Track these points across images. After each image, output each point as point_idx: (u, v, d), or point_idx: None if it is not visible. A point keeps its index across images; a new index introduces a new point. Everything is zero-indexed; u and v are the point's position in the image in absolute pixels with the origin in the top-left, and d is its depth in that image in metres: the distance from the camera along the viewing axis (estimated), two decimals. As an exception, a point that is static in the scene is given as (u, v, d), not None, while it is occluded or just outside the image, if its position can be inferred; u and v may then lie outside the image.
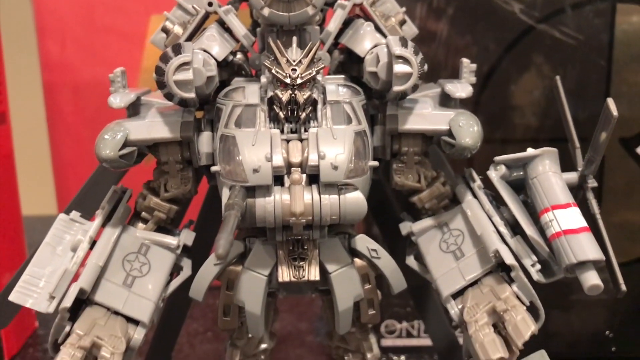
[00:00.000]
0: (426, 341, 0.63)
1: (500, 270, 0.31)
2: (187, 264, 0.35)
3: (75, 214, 0.34)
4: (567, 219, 0.30)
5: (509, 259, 0.29)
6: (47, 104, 0.77)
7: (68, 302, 0.29)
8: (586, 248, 0.29)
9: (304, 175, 0.31)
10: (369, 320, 0.34)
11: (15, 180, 0.68)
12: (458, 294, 0.31)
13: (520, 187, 0.35)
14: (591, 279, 0.28)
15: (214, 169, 0.32)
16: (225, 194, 0.30)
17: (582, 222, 0.30)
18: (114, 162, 0.31)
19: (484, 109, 0.59)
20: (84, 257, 0.32)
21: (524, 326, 0.28)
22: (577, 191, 0.34)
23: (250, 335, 0.36)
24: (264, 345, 0.36)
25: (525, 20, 0.57)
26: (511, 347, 0.29)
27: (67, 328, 0.30)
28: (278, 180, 0.31)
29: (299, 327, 0.73)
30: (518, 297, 0.29)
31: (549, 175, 0.32)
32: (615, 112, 0.30)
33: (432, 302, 0.45)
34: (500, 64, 0.58)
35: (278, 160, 0.30)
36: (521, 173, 0.34)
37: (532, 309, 0.29)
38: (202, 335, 0.72)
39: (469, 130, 0.31)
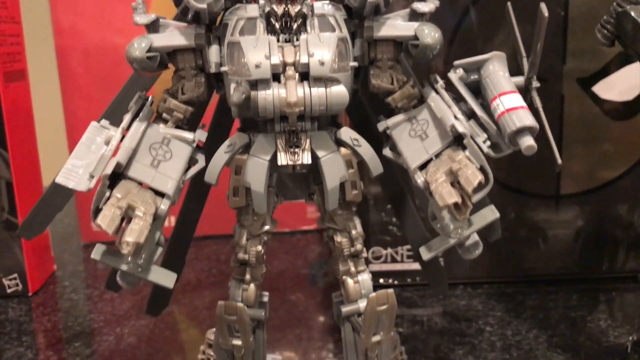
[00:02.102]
0: (409, 265, 0.71)
1: (457, 144, 0.38)
2: (201, 157, 0.41)
3: (105, 122, 0.41)
4: (510, 100, 0.37)
5: (462, 129, 0.37)
6: (60, 67, 0.84)
7: (108, 170, 0.36)
8: (523, 118, 0.36)
9: (297, 74, 0.38)
10: (353, 199, 0.41)
11: (34, 134, 0.75)
12: (423, 168, 0.38)
13: (478, 92, 0.42)
14: (527, 141, 0.35)
15: (223, 68, 0.39)
16: (232, 87, 0.37)
17: (522, 103, 0.37)
18: (142, 63, 0.38)
19: (454, 56, 0.66)
20: (116, 145, 0.39)
21: (473, 176, 0.35)
22: (525, 93, 0.42)
23: (255, 218, 0.43)
24: (266, 227, 0.43)
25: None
26: (465, 202, 0.36)
27: (107, 194, 0.37)
28: (276, 78, 0.38)
29: (295, 263, 0.81)
30: (470, 160, 0.36)
31: (498, 74, 0.40)
32: (546, 14, 0.37)
33: (409, 207, 0.52)
34: (468, 15, 0.66)
35: (275, 59, 0.38)
36: (476, 76, 0.41)
37: (483, 172, 0.36)
38: (207, 271, 0.79)
39: (431, 34, 0.38)
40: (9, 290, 0.71)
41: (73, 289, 0.74)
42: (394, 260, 0.70)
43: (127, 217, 0.37)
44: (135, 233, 0.35)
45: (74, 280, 0.77)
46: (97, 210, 0.36)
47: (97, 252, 0.37)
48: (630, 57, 0.66)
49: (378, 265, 0.70)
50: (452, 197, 0.35)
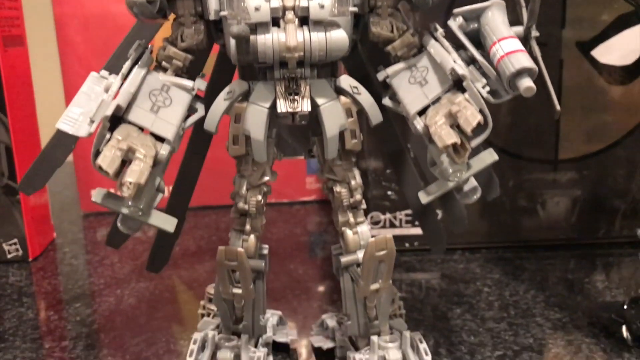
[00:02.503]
0: (407, 230, 0.71)
1: (456, 88, 0.38)
2: (200, 106, 0.41)
3: (104, 72, 0.41)
4: (509, 45, 0.37)
5: (461, 70, 0.37)
6: (59, 35, 0.84)
7: (109, 112, 0.36)
8: (522, 60, 0.36)
9: (296, 18, 0.38)
10: (352, 148, 0.42)
11: (33, 100, 0.75)
12: (422, 115, 0.39)
13: (477, 43, 0.42)
14: (526, 82, 0.35)
15: (222, 13, 0.38)
16: (233, 29, 0.37)
17: (521, 47, 0.37)
18: (141, 7, 0.38)
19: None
20: (116, 92, 0.39)
21: (473, 117, 0.35)
22: (524, 42, 0.42)
23: (255, 168, 0.43)
24: (266, 178, 0.43)
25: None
26: (464, 144, 0.36)
27: (107, 136, 0.37)
28: (275, 23, 0.38)
29: (294, 231, 0.81)
30: (470, 103, 0.36)
31: (497, 20, 0.40)
32: (544, -43, 0.37)
33: (408, 165, 0.52)
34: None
35: (275, 2, 0.37)
36: (476, 25, 0.41)
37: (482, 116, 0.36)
38: (207, 239, 0.79)
39: (430, -20, 0.38)
40: (9, 256, 0.71)
41: (73, 254, 0.74)
42: (392, 225, 0.70)
43: (127, 160, 0.37)
44: (135, 174, 0.35)
45: (73, 247, 0.77)
46: (98, 154, 0.37)
47: (97, 195, 0.38)
48: (629, 21, 0.67)
49: (377, 230, 0.70)
50: (452, 137, 0.35)
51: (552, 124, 0.69)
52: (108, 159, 0.35)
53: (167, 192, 0.44)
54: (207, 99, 0.43)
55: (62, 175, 1.03)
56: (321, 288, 0.64)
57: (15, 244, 0.71)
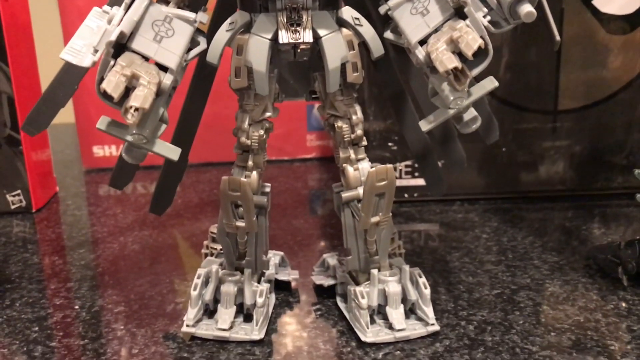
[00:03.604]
0: (407, 181, 0.72)
1: (457, 17, 0.38)
2: (202, 40, 0.42)
3: (106, 7, 0.41)
4: (510, -27, 0.37)
5: (463, -3, 0.37)
6: (58, -11, 0.83)
7: (113, 37, 0.37)
8: (522, -15, 0.36)
9: (299, -52, 0.38)
10: (354, 80, 0.42)
11: (33, 50, 0.74)
12: (424, 44, 0.39)
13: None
14: (527, 7, 0.36)
15: (224, -57, 0.39)
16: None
17: (522, -25, 0.37)
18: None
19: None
20: (119, 22, 0.39)
21: (474, 41, 0.35)
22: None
23: (257, 103, 0.43)
24: (268, 113, 0.44)
25: None
26: (464, 71, 0.37)
27: (112, 62, 0.37)
28: (275, -50, 0.38)
29: (294, 184, 0.82)
30: (470, 29, 0.37)
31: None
32: None
33: (409, 108, 0.52)
34: None
35: None
36: (477, -42, 0.41)
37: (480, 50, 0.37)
38: (208, 192, 0.80)
39: None
40: (13, 207, 0.72)
41: (76, 206, 0.75)
42: (392, 176, 0.71)
43: (131, 87, 0.37)
44: (140, 99, 0.36)
45: (76, 199, 0.78)
46: (102, 80, 0.37)
47: (102, 123, 0.38)
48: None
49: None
50: (453, 62, 0.36)
51: (551, 75, 0.69)
52: (112, 84, 0.36)
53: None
54: (210, 34, 0.43)
55: (64, 135, 1.04)
56: (322, 238, 0.65)
57: (18, 194, 0.71)
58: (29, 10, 0.73)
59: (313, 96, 0.47)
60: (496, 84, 0.38)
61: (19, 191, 0.71)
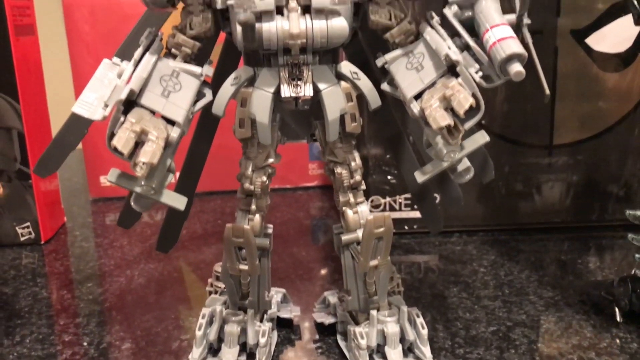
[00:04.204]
0: (407, 214, 0.73)
1: (450, 74, 0.40)
2: (208, 92, 0.44)
3: (116, 59, 0.43)
4: (500, 32, 0.39)
5: (455, 56, 0.39)
6: (67, 25, 0.86)
7: (123, 96, 0.38)
8: (512, 46, 0.38)
9: (299, 7, 0.40)
10: (352, 130, 0.44)
11: (43, 86, 0.77)
12: (419, 99, 0.41)
13: (471, 30, 0.44)
14: (516, 67, 0.37)
15: (229, 2, 0.41)
16: (239, 17, 0.40)
17: (512, 33, 0.39)
18: (154, -2, 0.40)
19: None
20: (129, 77, 0.41)
21: (465, 100, 0.37)
22: (516, 30, 0.44)
23: (260, 150, 0.45)
24: (271, 160, 0.45)
25: None
26: (458, 126, 0.39)
27: (122, 119, 0.39)
28: (279, 12, 0.40)
29: (297, 215, 0.83)
30: (463, 87, 0.39)
31: (491, 9, 0.42)
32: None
33: (406, 149, 0.54)
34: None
35: (279, -9, 0.40)
36: (470, 13, 0.43)
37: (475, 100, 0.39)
38: (213, 222, 0.82)
39: (426, -31, 0.40)
40: (22, 239, 0.74)
41: (83, 237, 0.77)
42: (392, 209, 0.73)
43: (140, 141, 0.39)
44: (149, 154, 0.38)
45: (84, 230, 0.80)
46: (112, 136, 0.39)
47: (112, 175, 0.40)
48: (622, 9, 0.68)
49: (377, 213, 0.72)
50: (445, 119, 0.37)
51: (547, 111, 0.71)
52: (123, 140, 0.38)
53: (174, 179, 0.47)
54: (214, 84, 0.45)
55: (71, 162, 1.05)
56: (323, 270, 0.66)
57: (28, 227, 0.73)
58: (39, 48, 0.75)
59: (314, 139, 0.49)
60: (487, 138, 0.40)
61: (28, 223, 0.73)
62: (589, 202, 0.73)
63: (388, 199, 0.72)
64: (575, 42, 0.69)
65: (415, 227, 0.73)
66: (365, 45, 0.48)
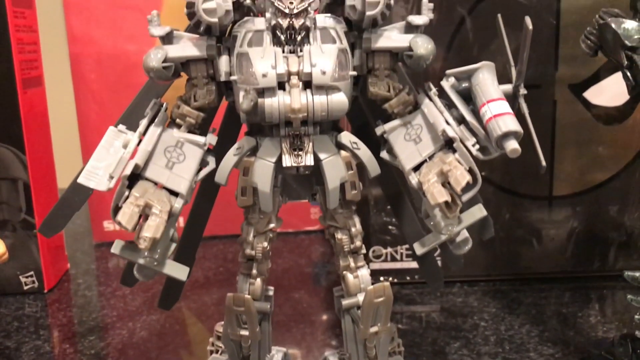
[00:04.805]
0: (408, 264, 0.74)
1: (448, 147, 0.41)
2: (211, 160, 0.45)
3: (122, 126, 0.44)
4: (497, 107, 0.40)
5: (452, 133, 0.40)
6: (74, 73, 0.88)
7: (127, 171, 0.39)
8: (509, 123, 0.39)
9: (300, 82, 0.41)
10: (352, 198, 0.44)
11: (49, 137, 0.78)
12: (417, 169, 0.42)
13: (469, 99, 0.45)
14: (512, 144, 0.38)
15: (232, 78, 0.42)
16: (241, 94, 0.41)
17: (508, 109, 0.40)
18: (157, 72, 0.41)
19: (452, 60, 0.69)
20: (134, 148, 0.42)
21: (462, 177, 0.38)
22: (513, 100, 0.45)
23: (261, 216, 0.46)
24: (272, 225, 0.46)
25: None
26: (455, 201, 0.39)
27: (126, 193, 0.40)
28: (281, 87, 0.41)
29: (299, 262, 0.84)
30: (460, 163, 0.39)
31: (487, 82, 0.43)
32: (530, 27, 0.40)
33: (407, 207, 0.55)
34: (464, 24, 0.69)
35: (281, 68, 0.41)
36: (467, 84, 0.44)
37: (472, 174, 0.39)
38: (215, 270, 0.82)
39: (424, 46, 0.41)
40: (25, 287, 0.74)
41: (86, 286, 0.77)
42: (393, 259, 0.73)
43: (144, 214, 0.40)
44: (152, 229, 0.38)
45: (87, 277, 0.80)
46: (117, 209, 0.40)
47: (116, 247, 0.41)
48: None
49: (378, 263, 0.73)
50: (443, 196, 0.38)
51: (546, 162, 0.72)
52: (127, 216, 0.38)
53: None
54: (217, 147, 0.46)
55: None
56: (324, 320, 0.66)
57: (31, 276, 0.74)
58: (46, 98, 0.77)
59: (315, 198, 0.50)
60: (485, 213, 0.41)
61: (32, 272, 0.74)
62: (590, 252, 0.73)
63: (389, 249, 0.73)
64: (573, 96, 0.70)
65: (416, 277, 0.73)
66: (365, 107, 0.49)
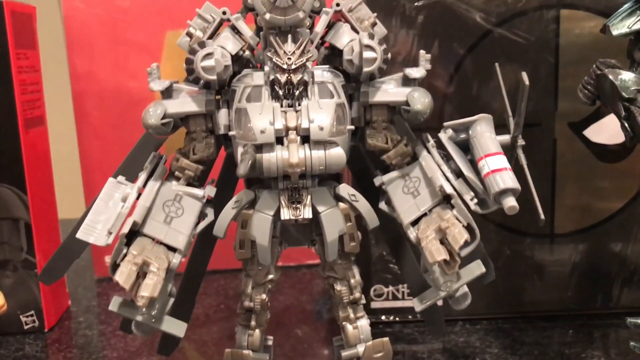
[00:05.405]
0: (410, 303, 0.73)
1: (446, 202, 0.41)
2: (210, 211, 0.45)
3: (121, 178, 0.45)
4: (495, 162, 0.40)
5: (449, 190, 0.40)
6: (76, 110, 0.88)
7: (126, 229, 0.40)
8: (507, 180, 0.39)
9: (298, 137, 0.42)
10: (351, 250, 0.45)
11: (51, 176, 0.79)
12: (415, 223, 0.42)
13: (467, 149, 0.45)
14: (510, 202, 0.38)
15: (231, 133, 0.42)
16: (239, 150, 0.41)
17: (506, 164, 0.40)
18: (156, 129, 0.42)
19: (452, 98, 0.69)
20: (132, 203, 0.42)
21: (460, 235, 0.38)
22: (511, 150, 0.45)
23: (260, 268, 0.46)
24: (270, 276, 0.46)
25: (484, 25, 0.67)
26: (453, 257, 0.39)
27: (124, 251, 0.40)
28: (279, 141, 0.42)
29: (300, 299, 0.83)
30: (458, 219, 0.39)
31: (485, 135, 0.43)
32: (527, 82, 0.41)
33: (407, 251, 0.55)
34: (464, 62, 0.69)
35: (279, 124, 0.41)
36: (465, 135, 0.44)
37: (470, 229, 0.39)
38: (215, 307, 0.82)
39: (421, 100, 0.42)
40: (26, 327, 0.74)
41: (87, 324, 0.77)
42: (395, 298, 0.73)
43: (142, 272, 0.40)
44: (149, 288, 0.38)
45: (88, 316, 0.80)
46: (115, 266, 0.40)
47: (114, 305, 0.41)
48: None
49: (380, 302, 0.73)
50: (441, 254, 0.38)
51: (547, 200, 0.72)
52: (125, 275, 0.38)
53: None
54: (216, 197, 0.46)
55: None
56: (326, 357, 0.66)
57: (32, 315, 0.74)
58: (48, 137, 0.77)
59: (314, 242, 0.50)
60: (483, 269, 0.41)
61: (32, 312, 0.74)
62: (593, 289, 0.73)
63: (391, 288, 0.73)
64: (572, 133, 0.70)
65: (418, 315, 0.73)
66: (365, 155, 0.50)
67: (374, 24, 0.47)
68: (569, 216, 0.71)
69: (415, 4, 0.67)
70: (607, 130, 0.70)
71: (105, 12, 0.85)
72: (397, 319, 0.73)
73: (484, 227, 0.69)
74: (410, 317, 0.73)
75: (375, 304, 0.73)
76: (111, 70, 0.86)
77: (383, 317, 0.73)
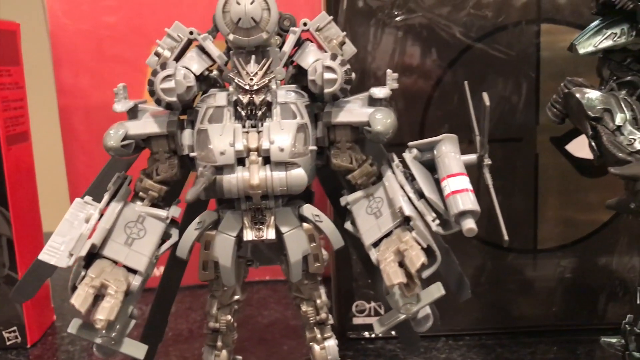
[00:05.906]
0: (392, 318, 0.73)
1: (406, 224, 0.41)
2: (175, 232, 0.45)
3: (88, 198, 0.44)
4: (456, 183, 0.40)
5: (408, 211, 0.39)
6: (63, 125, 0.88)
7: (83, 253, 0.39)
8: (466, 202, 0.39)
9: (260, 158, 0.41)
10: (315, 271, 0.44)
11: (35, 191, 0.79)
12: (377, 244, 0.41)
13: (433, 167, 0.45)
14: (468, 224, 0.38)
15: (192, 154, 0.42)
16: (199, 171, 0.41)
17: (467, 185, 0.40)
18: (117, 151, 0.42)
19: (432, 113, 0.69)
20: (94, 225, 0.42)
21: (417, 258, 0.38)
22: (478, 170, 0.44)
23: (225, 288, 0.46)
24: (236, 297, 0.46)
25: (463, 40, 0.67)
26: (413, 280, 0.39)
27: (82, 273, 0.40)
28: (240, 162, 0.42)
29: (285, 314, 0.83)
30: (417, 241, 0.39)
31: (449, 155, 0.42)
32: (487, 103, 0.40)
33: (378, 270, 0.54)
34: (444, 77, 0.69)
35: (239, 146, 0.41)
36: (430, 155, 0.44)
37: (430, 252, 0.39)
38: (199, 322, 0.81)
39: (382, 121, 0.41)
40: (8, 343, 0.74)
41: (70, 340, 0.77)
42: (377, 314, 0.72)
43: (100, 294, 0.40)
44: (106, 311, 0.38)
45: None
46: (74, 288, 0.40)
47: (73, 327, 0.40)
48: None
49: (362, 318, 0.72)
50: (398, 277, 0.38)
51: (530, 215, 0.71)
52: (81, 298, 0.38)
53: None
54: (185, 218, 0.46)
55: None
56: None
57: (14, 331, 0.74)
58: (32, 153, 0.77)
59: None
60: (443, 292, 0.40)
61: (15, 327, 0.74)
62: (577, 305, 0.72)
63: (373, 304, 0.72)
64: (555, 148, 0.69)
65: (392, 332, 0.72)
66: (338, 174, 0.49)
67: (342, 43, 0.47)
68: (552, 231, 0.71)
69: (396, 19, 0.66)
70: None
71: (91, 27, 0.85)
72: (379, 335, 0.72)
73: (467, 242, 0.69)
74: (393, 333, 0.72)
75: (357, 320, 0.72)
76: (97, 85, 0.86)
77: (365, 334, 0.72)
